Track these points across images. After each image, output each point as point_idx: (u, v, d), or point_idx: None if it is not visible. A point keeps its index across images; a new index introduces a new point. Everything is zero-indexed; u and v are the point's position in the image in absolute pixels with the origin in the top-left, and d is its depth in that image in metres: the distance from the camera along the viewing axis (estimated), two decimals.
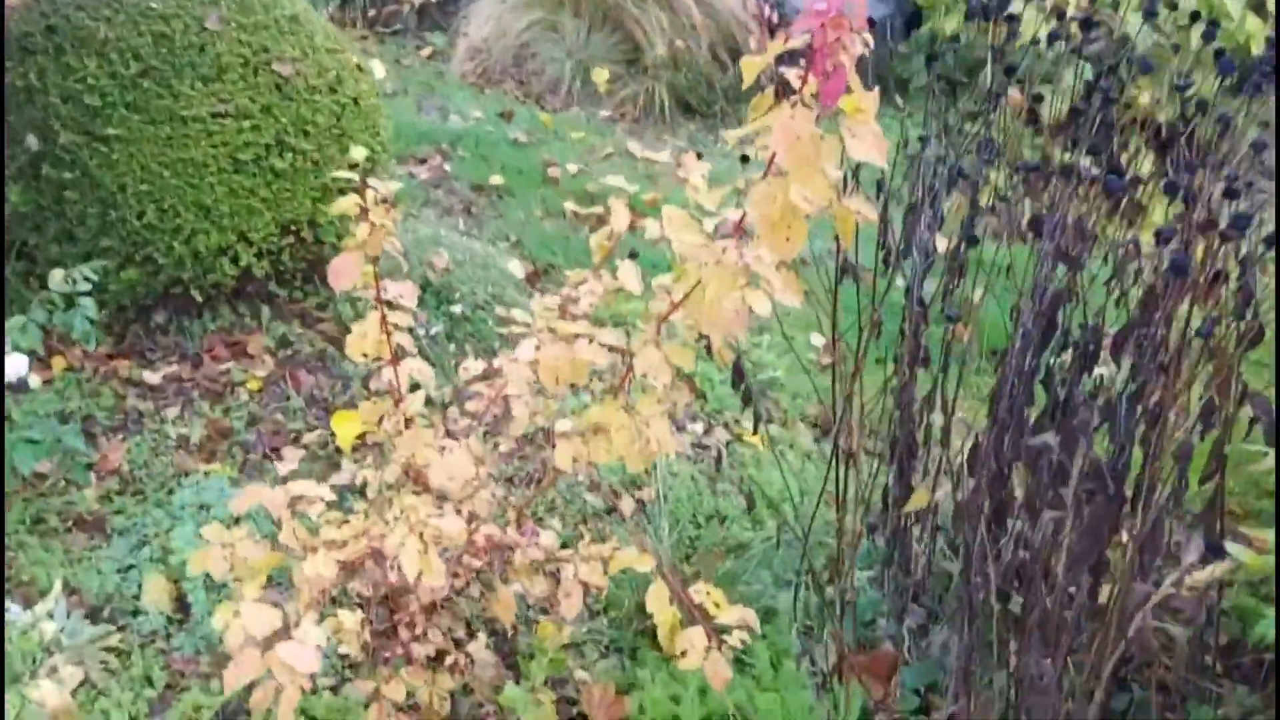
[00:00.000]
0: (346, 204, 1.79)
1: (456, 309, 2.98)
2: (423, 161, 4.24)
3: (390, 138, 3.16)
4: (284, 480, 2.49)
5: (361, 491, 2.55)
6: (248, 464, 2.59)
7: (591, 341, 1.64)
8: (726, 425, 2.93)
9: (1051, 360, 1.66)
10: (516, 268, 3.29)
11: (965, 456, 1.67)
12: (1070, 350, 1.65)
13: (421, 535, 1.53)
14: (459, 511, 1.81)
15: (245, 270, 2.91)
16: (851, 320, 1.90)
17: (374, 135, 3.04)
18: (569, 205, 3.94)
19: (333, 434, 2.66)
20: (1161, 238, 1.48)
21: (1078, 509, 1.38)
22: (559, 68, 5.18)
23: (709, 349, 1.68)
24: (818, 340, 3.26)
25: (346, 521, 1.59)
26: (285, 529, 1.45)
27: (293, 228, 2.92)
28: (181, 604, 2.19)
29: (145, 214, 2.73)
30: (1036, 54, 1.85)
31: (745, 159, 2.21)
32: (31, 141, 2.71)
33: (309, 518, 1.56)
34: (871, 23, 1.32)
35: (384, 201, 1.84)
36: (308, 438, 2.68)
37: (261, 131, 2.77)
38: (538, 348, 1.68)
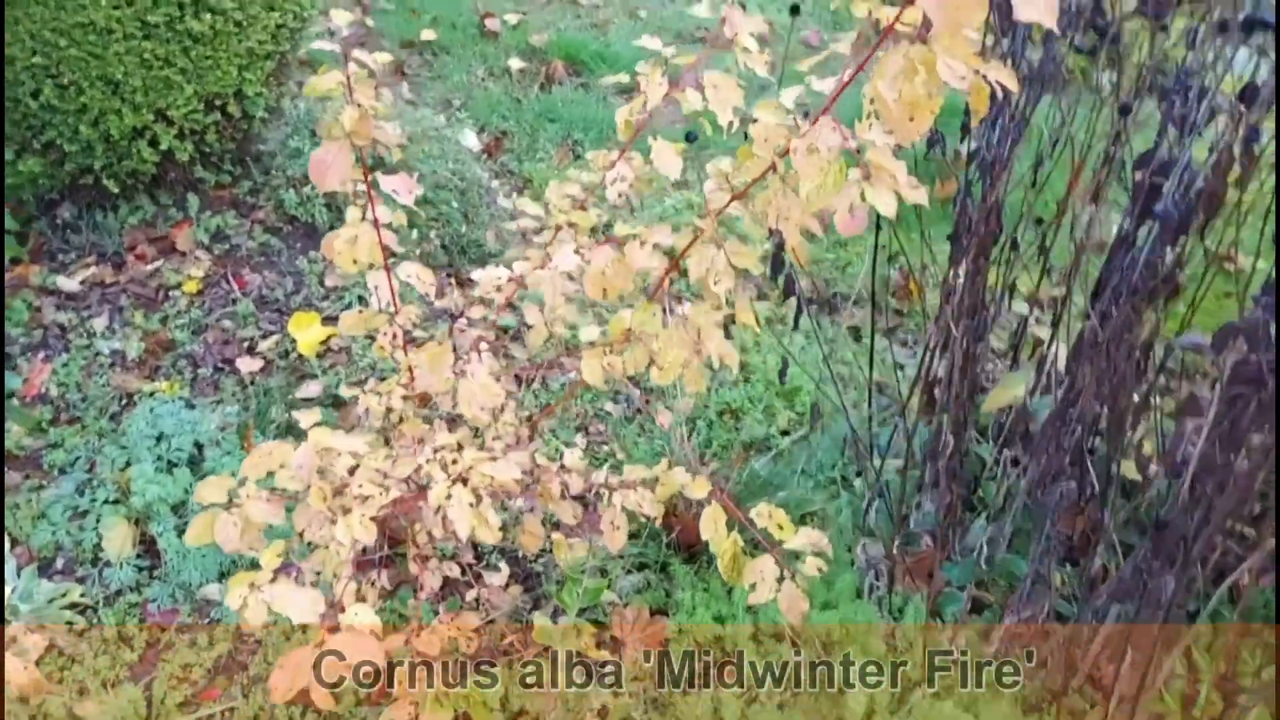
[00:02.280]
0: (327, 82, 1.47)
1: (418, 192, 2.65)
2: None
3: None
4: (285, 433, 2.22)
5: (334, 403, 2.29)
6: (198, 380, 2.29)
7: (644, 245, 1.39)
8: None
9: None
10: (471, 139, 2.95)
11: (1059, 352, 1.51)
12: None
13: (465, 481, 1.30)
14: (480, 442, 1.60)
15: (166, 154, 2.52)
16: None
17: None
18: (514, 63, 3.56)
19: (292, 340, 2.37)
20: None
21: (1222, 415, 1.23)
22: None
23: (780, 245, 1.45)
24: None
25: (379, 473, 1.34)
26: (314, 494, 1.21)
27: (217, 102, 2.53)
28: (149, 549, 1.93)
29: (42, 92, 2.31)
30: None
31: (795, 10, 1.90)
32: None
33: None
34: None
35: (371, 77, 1.53)
36: (263, 345, 2.38)
37: None
38: (578, 251, 1.42)
